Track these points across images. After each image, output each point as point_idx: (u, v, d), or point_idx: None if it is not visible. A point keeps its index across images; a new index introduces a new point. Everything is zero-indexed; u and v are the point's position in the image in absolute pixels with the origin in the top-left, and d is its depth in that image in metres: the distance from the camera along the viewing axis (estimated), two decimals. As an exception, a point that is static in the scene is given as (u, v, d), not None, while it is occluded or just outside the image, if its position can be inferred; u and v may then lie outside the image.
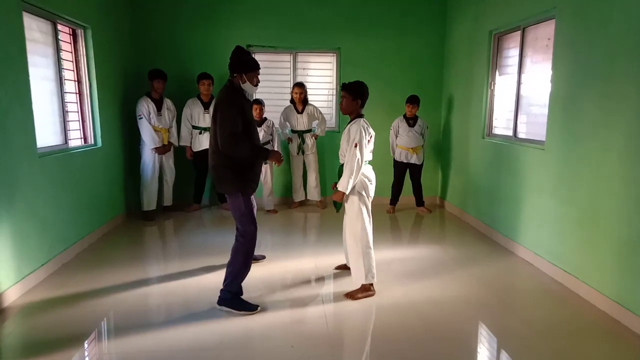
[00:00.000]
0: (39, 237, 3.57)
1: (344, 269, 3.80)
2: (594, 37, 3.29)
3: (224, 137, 2.87)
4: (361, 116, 3.30)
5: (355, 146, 3.13)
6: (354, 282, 3.36)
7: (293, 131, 5.79)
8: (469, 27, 5.45)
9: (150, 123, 5.19)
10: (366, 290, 3.31)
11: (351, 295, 3.29)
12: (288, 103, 6.02)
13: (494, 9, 4.83)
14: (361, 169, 3.19)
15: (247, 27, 5.87)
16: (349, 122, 3.31)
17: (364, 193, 3.26)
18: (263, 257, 4.06)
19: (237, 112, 2.91)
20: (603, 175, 3.18)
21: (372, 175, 3.35)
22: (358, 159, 3.13)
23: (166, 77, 5.28)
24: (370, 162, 3.37)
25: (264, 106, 5.45)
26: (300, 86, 5.65)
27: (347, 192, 3.20)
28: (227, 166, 2.98)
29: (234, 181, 3.00)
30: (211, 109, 5.39)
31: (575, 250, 3.49)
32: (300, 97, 5.64)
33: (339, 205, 3.37)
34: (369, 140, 3.25)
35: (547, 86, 3.88)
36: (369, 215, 3.32)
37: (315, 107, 5.77)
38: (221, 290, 3.11)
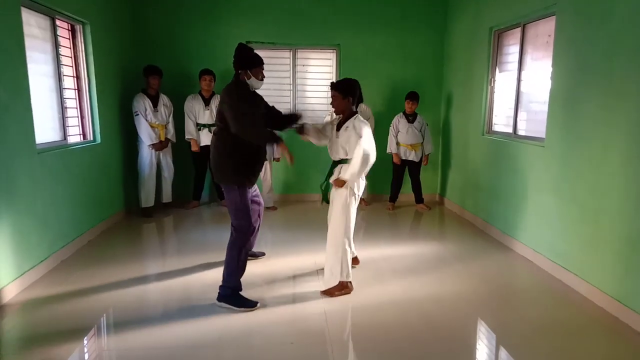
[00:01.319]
0: (39, 233, 3.57)
1: None
2: (594, 33, 3.28)
3: (238, 118, 2.92)
4: (355, 113, 3.26)
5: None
6: (325, 277, 3.32)
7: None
8: (469, 23, 5.44)
9: (146, 119, 5.17)
10: (344, 287, 3.28)
11: (329, 293, 3.27)
12: (288, 99, 6.03)
13: (494, 5, 4.81)
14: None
15: (247, 24, 5.85)
16: (345, 121, 3.23)
17: (355, 190, 3.21)
18: (263, 254, 4.06)
19: (248, 101, 3.04)
20: (603, 173, 3.18)
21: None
22: (371, 154, 3.08)
23: (162, 73, 5.27)
24: None
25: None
26: None
27: (345, 180, 3.12)
28: (228, 158, 3.01)
29: (233, 173, 3.02)
30: (211, 105, 5.45)
31: (575, 248, 3.49)
32: None
33: (325, 196, 3.35)
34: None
35: (547, 83, 3.87)
36: (354, 213, 3.27)
37: (367, 107, 5.60)
38: (220, 287, 3.11)
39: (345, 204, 3.20)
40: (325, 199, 3.42)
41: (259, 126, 3.04)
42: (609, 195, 3.14)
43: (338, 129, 3.28)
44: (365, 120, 3.22)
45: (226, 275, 3.10)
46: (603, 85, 3.19)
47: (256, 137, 3.04)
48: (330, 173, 3.33)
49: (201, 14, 5.78)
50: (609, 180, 3.13)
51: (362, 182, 3.28)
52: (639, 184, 2.88)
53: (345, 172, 3.12)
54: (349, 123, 3.21)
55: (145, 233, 4.93)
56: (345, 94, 3.19)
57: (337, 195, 3.25)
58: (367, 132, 3.12)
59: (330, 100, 3.33)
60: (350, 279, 3.30)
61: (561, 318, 3.03)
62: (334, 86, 3.24)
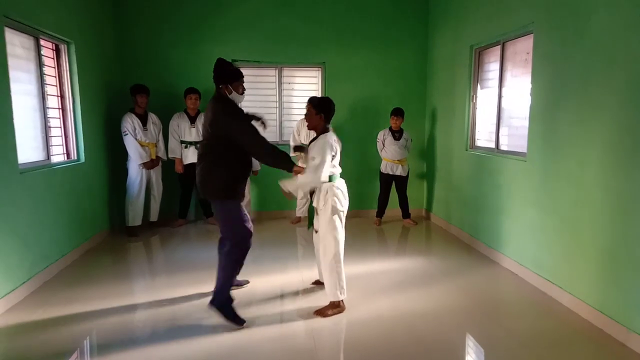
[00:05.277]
0: (20, 254, 3.50)
1: (318, 284, 3.74)
2: (570, 50, 3.38)
3: (257, 147, 3.03)
4: (327, 130, 3.26)
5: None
6: (328, 297, 3.28)
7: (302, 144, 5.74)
8: (450, 41, 5.56)
9: (136, 139, 5.15)
10: (336, 306, 3.26)
11: (321, 313, 3.24)
12: (274, 117, 6.06)
13: (474, 24, 4.94)
14: (333, 183, 3.19)
15: (232, 42, 5.91)
16: (315, 137, 3.26)
17: (338, 207, 3.19)
18: (247, 282, 3.85)
19: (243, 117, 3.14)
20: (583, 185, 3.25)
21: (344, 189, 3.29)
22: (319, 175, 3.10)
23: (149, 91, 5.27)
24: (341, 175, 3.33)
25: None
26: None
27: (290, 190, 3.20)
28: (220, 174, 3.02)
29: (226, 188, 3.04)
30: (197, 123, 5.45)
31: (559, 260, 3.54)
32: None
33: (311, 220, 3.35)
34: (333, 156, 3.17)
35: (527, 99, 3.96)
36: (342, 230, 3.26)
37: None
38: (215, 292, 3.11)
39: (331, 222, 3.19)
40: (311, 223, 3.39)
41: (272, 148, 3.06)
42: (587, 207, 3.20)
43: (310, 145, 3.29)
44: (329, 140, 3.16)
45: (219, 282, 3.10)
46: (580, 100, 3.28)
47: (273, 161, 3.10)
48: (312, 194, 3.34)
49: (186, 33, 5.82)
50: (587, 193, 3.20)
51: (344, 199, 3.28)
52: (615, 196, 2.95)
53: (294, 181, 3.17)
54: (314, 142, 3.23)
55: (131, 253, 4.86)
56: (319, 110, 3.22)
57: (322, 215, 3.23)
58: (324, 145, 3.12)
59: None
60: (342, 298, 3.26)
61: (546, 330, 3.06)
62: (310, 100, 3.32)
